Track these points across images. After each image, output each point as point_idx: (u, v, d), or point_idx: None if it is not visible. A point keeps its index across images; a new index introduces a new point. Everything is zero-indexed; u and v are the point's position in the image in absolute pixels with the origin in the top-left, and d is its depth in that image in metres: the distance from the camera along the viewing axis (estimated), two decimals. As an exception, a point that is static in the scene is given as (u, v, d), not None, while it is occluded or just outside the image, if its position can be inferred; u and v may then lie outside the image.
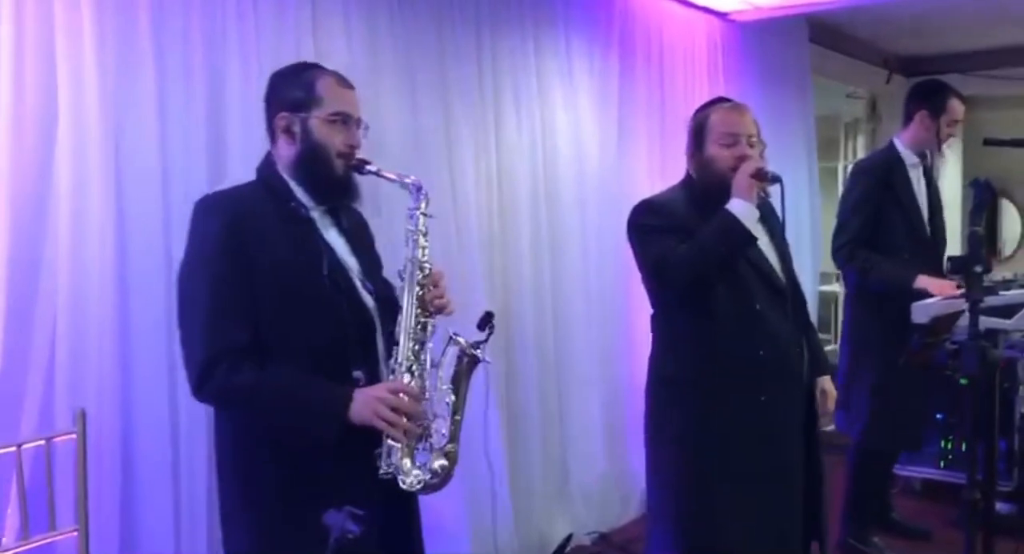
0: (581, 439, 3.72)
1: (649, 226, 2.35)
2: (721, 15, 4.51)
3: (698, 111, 2.43)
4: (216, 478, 1.86)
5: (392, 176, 1.82)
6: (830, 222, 3.55)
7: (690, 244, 2.23)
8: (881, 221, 3.30)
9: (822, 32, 5.29)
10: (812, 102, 5.20)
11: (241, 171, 2.55)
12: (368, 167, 1.82)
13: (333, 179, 1.80)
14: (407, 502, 1.84)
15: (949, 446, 4.04)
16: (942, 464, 4.05)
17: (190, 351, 1.69)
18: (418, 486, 1.70)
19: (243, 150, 2.57)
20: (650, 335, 2.53)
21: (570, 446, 3.70)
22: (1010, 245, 7.27)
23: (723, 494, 2.28)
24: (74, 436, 2.04)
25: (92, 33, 2.28)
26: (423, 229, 1.82)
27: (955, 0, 4.75)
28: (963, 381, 3.79)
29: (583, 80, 3.78)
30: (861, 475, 3.47)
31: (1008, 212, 7.32)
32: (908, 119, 3.39)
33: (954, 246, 6.54)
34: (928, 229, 3.40)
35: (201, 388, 1.68)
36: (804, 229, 5.01)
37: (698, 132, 2.37)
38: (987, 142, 2.79)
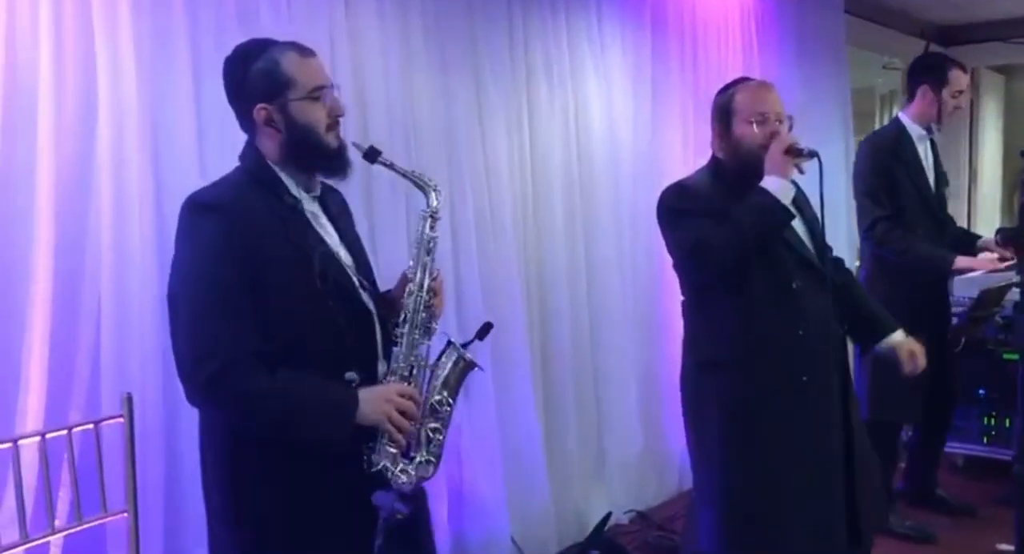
0: (618, 418, 3.71)
1: (682, 209, 2.31)
2: (754, -13, 4.44)
3: (721, 92, 2.40)
4: (202, 478, 1.78)
5: (406, 172, 1.78)
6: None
7: (727, 225, 2.19)
8: (895, 195, 3.31)
9: (857, 2, 5.19)
10: (848, 74, 5.11)
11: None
12: (381, 158, 1.76)
13: (328, 153, 1.72)
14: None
15: (992, 422, 3.99)
16: (985, 440, 4.01)
17: (197, 356, 1.60)
18: (403, 481, 1.66)
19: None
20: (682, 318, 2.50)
21: (607, 425, 3.69)
22: (1051, 217, 7.13)
23: (768, 476, 2.25)
24: (122, 420, 2.06)
25: (128, 16, 2.28)
26: (436, 233, 1.78)
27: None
28: (1007, 356, 3.75)
29: (615, 56, 3.74)
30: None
31: (1050, 183, 7.17)
32: (912, 94, 3.44)
33: (994, 215, 6.45)
34: (937, 202, 3.44)
35: (211, 393, 1.61)
36: (840, 205, 4.93)
37: (724, 113, 2.34)
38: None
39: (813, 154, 2.21)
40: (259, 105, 1.69)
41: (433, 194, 1.78)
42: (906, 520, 3.49)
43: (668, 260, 2.48)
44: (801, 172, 2.30)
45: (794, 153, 2.21)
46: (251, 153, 1.75)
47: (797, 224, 2.32)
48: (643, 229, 3.78)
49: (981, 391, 3.97)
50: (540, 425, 3.36)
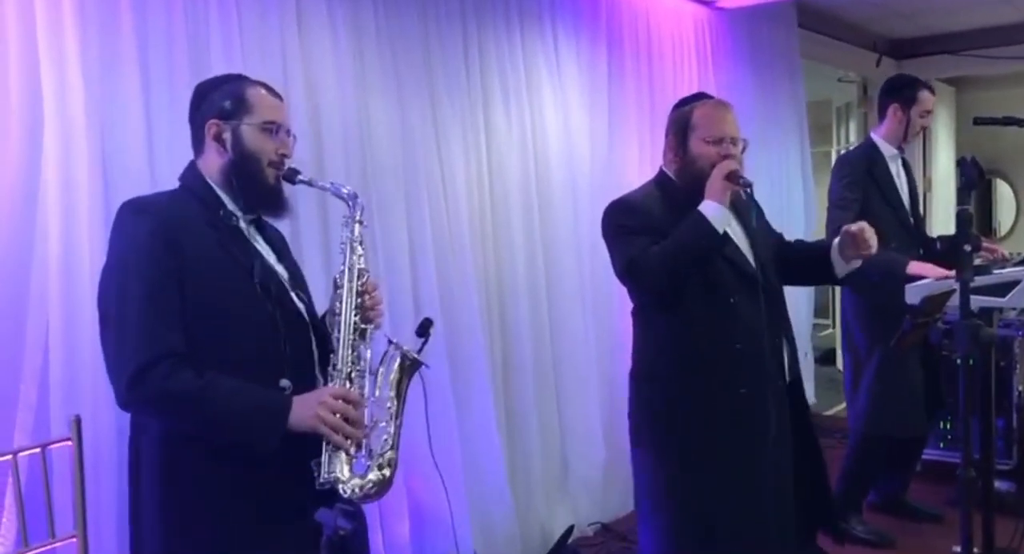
0: (580, 430, 3.72)
1: (623, 226, 2.32)
2: (708, 3, 4.50)
3: (679, 106, 2.39)
4: (128, 482, 1.78)
5: (326, 185, 1.82)
6: (825, 208, 3.57)
7: (662, 245, 2.21)
8: (868, 213, 3.34)
9: (811, 16, 5.28)
10: (803, 87, 5.20)
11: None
12: (300, 177, 1.79)
13: (264, 188, 1.77)
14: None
15: (948, 426, 4.04)
16: (942, 444, 4.06)
17: (122, 355, 1.60)
18: (358, 494, 1.66)
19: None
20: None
21: (569, 438, 3.70)
22: (1005, 224, 7.29)
23: (708, 490, 2.26)
24: (70, 443, 2.04)
25: (75, 36, 2.27)
26: (359, 237, 1.81)
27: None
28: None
29: (571, 73, 3.77)
30: (856, 459, 3.51)
31: (1002, 191, 7.34)
32: (882, 114, 3.54)
33: (948, 223, 6.57)
34: (911, 219, 3.49)
35: (133, 392, 1.58)
36: (797, 215, 5.01)
37: (681, 129, 2.33)
38: (977, 121, 2.79)
39: (748, 184, 2.22)
40: (212, 120, 1.75)
41: (352, 201, 1.81)
42: (863, 525, 3.52)
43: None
44: (745, 196, 2.30)
45: (734, 180, 2.22)
46: (191, 172, 1.79)
47: (740, 240, 2.33)
48: (601, 243, 3.77)
49: (938, 396, 4.02)
50: (502, 439, 3.36)
